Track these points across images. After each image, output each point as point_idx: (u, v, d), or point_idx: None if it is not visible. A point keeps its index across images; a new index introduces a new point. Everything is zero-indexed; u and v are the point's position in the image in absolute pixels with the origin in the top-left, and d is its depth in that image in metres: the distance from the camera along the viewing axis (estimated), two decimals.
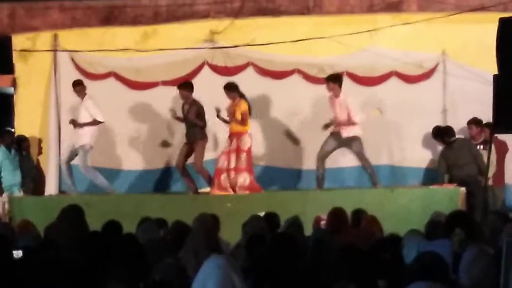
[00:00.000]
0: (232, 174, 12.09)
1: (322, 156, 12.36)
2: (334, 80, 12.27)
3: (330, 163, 13.00)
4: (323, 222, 8.91)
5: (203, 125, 12.40)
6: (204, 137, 12.50)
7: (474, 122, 12.46)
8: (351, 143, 12.33)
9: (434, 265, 4.69)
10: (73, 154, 12.69)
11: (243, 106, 12.20)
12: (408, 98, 13.37)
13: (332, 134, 12.38)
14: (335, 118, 12.27)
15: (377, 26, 13.31)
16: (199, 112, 12.37)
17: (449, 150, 12.40)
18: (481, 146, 12.31)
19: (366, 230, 8.24)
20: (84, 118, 12.56)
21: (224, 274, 3.86)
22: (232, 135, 12.25)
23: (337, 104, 12.28)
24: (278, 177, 12.99)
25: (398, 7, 13.59)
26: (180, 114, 12.53)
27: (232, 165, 12.11)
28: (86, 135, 12.54)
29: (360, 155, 12.38)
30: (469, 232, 6.32)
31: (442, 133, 12.62)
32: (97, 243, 6.13)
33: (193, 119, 12.29)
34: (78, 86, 12.73)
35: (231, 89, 12.28)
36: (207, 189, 12.56)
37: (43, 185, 13.49)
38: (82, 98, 12.66)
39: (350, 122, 12.20)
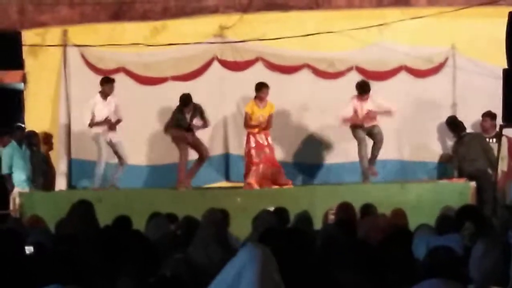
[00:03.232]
0: (268, 168, 12.26)
1: (365, 152, 12.30)
2: (364, 90, 12.19)
3: (341, 157, 13.04)
4: (331, 217, 8.90)
5: (207, 126, 12.67)
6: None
7: (489, 115, 12.42)
8: (372, 129, 12.27)
9: (448, 261, 4.70)
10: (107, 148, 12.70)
11: (273, 107, 12.46)
12: (417, 93, 13.36)
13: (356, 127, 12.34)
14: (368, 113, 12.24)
15: (386, 20, 13.29)
16: (203, 114, 12.53)
17: (459, 144, 12.39)
18: (494, 140, 12.28)
19: (378, 223, 8.22)
20: (117, 115, 12.60)
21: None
22: (260, 133, 12.34)
23: (368, 105, 12.24)
24: (288, 172, 12.97)
25: (407, 1, 13.58)
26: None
27: (264, 159, 12.27)
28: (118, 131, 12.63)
29: (380, 141, 12.32)
30: (479, 226, 6.33)
31: (456, 124, 12.57)
32: (107, 238, 6.15)
33: (199, 125, 12.52)
34: (108, 84, 12.61)
35: (268, 89, 12.40)
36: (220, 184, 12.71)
37: (53, 181, 13.51)
38: (107, 98, 12.57)
39: (388, 113, 12.20)
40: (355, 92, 12.30)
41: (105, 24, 13.77)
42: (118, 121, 12.62)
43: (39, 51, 13.77)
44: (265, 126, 12.36)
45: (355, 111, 12.26)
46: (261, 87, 12.30)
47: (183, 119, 12.48)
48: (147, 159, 13.56)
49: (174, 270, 5.16)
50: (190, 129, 12.50)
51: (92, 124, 12.46)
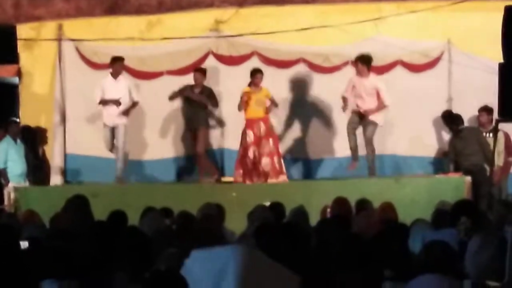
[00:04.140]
0: (267, 159, 12.22)
1: (352, 130, 12.30)
2: (363, 61, 12.20)
3: (336, 152, 13.03)
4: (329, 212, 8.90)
5: (216, 106, 12.69)
6: (207, 124, 12.60)
7: (485, 109, 12.41)
8: (368, 126, 12.27)
9: (444, 256, 4.69)
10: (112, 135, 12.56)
11: (269, 92, 12.37)
12: (413, 87, 13.33)
13: (353, 111, 12.32)
14: (361, 103, 12.22)
15: (382, 14, 13.27)
16: (212, 95, 12.49)
17: (456, 138, 12.38)
18: (490, 134, 12.27)
19: (373, 218, 8.22)
20: (124, 97, 12.46)
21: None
22: (255, 122, 12.28)
23: (364, 87, 12.21)
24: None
25: None
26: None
27: (266, 150, 12.21)
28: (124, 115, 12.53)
29: (369, 141, 12.29)
30: (475, 221, 6.32)
31: (451, 119, 12.57)
32: (102, 233, 6.14)
33: (206, 100, 12.50)
34: (118, 63, 12.57)
35: (262, 75, 12.36)
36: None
37: (48, 175, 13.51)
38: (117, 77, 12.52)
39: (380, 107, 12.19)
40: (375, 80, 12.32)
41: (100, 18, 13.73)
42: (134, 104, 12.54)
43: (34, 45, 13.73)
44: (266, 111, 12.33)
45: (353, 87, 12.27)
46: (255, 73, 12.34)
47: (188, 89, 12.60)
48: (141, 154, 13.53)
49: (168, 264, 5.14)
50: (203, 105, 12.57)
51: (102, 102, 12.44)
